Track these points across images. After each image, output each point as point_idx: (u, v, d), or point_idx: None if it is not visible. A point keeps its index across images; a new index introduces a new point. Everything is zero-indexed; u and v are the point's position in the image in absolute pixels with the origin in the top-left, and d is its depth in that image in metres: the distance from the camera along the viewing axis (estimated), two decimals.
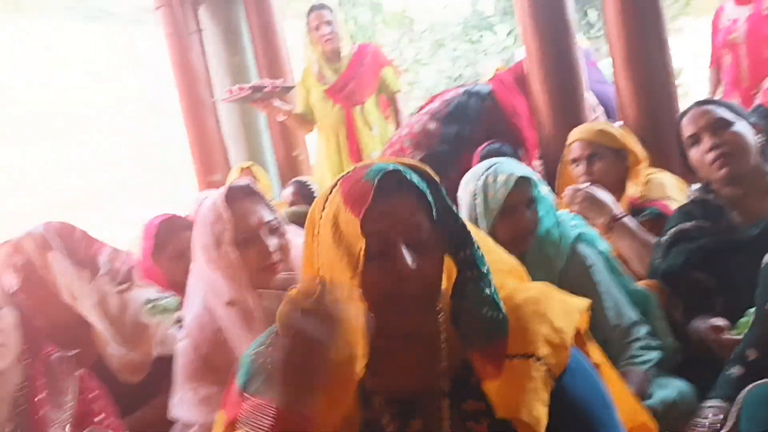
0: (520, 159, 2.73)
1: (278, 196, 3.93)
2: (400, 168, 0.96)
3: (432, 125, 3.05)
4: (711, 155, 1.84)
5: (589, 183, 2.32)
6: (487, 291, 0.95)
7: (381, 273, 0.92)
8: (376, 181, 0.92)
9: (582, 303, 1.05)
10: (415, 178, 0.96)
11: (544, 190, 1.90)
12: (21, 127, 8.77)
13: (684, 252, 1.90)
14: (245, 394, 0.99)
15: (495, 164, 1.87)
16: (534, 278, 1.80)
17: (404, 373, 1.00)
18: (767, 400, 1.27)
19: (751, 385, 1.32)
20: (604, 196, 2.22)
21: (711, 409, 1.45)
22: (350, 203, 0.93)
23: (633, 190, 2.38)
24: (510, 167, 1.86)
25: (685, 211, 2.00)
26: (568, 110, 2.76)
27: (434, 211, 0.96)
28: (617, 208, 2.21)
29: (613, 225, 2.17)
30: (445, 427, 0.98)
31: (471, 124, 3.04)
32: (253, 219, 1.63)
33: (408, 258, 0.92)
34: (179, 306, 2.00)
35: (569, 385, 0.98)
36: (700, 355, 1.79)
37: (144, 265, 2.34)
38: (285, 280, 1.63)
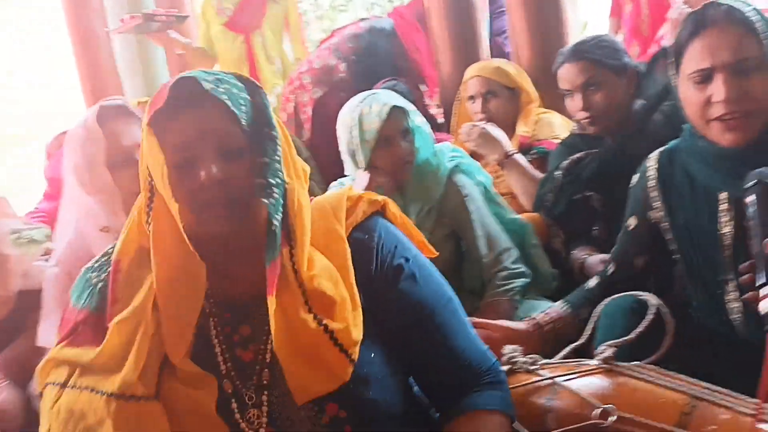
0: (414, 97, 2.75)
1: None
2: (199, 78, 0.97)
3: (332, 61, 3.01)
4: (581, 114, 1.98)
5: (484, 120, 2.39)
6: (266, 201, 0.96)
7: (188, 181, 0.96)
8: (169, 86, 0.95)
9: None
10: (219, 88, 0.96)
11: (419, 120, 1.92)
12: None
13: (576, 182, 2.00)
14: (77, 310, 1.02)
15: (369, 96, 1.88)
16: (413, 207, 1.87)
17: (234, 279, 1.03)
18: (621, 312, 1.36)
19: (608, 299, 1.40)
20: (498, 133, 2.29)
21: (551, 310, 1.54)
22: (151, 110, 0.97)
23: (523, 129, 2.45)
24: (384, 98, 1.86)
25: (567, 144, 2.10)
26: (467, 48, 2.79)
27: (244, 120, 0.97)
28: (509, 145, 2.28)
29: (505, 162, 2.25)
30: (269, 339, 1.00)
31: (379, 63, 3.04)
32: (128, 140, 1.56)
33: (213, 168, 0.95)
34: (48, 237, 1.90)
35: (408, 289, 1.06)
36: (580, 281, 1.90)
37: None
38: None
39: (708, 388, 1.12)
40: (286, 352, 0.96)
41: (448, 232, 1.92)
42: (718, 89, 1.23)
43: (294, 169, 1.04)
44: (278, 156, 0.99)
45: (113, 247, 1.06)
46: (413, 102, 2.72)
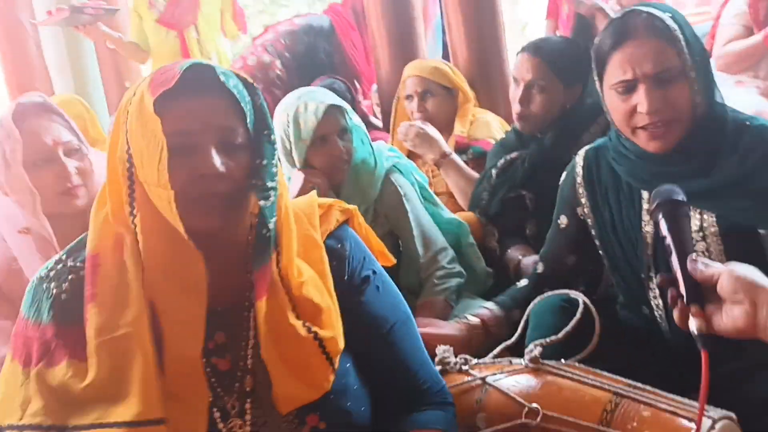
0: (353, 95, 2.74)
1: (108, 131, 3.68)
2: (215, 67, 0.94)
3: (267, 58, 2.97)
4: (515, 106, 2.01)
5: (421, 120, 2.40)
6: (263, 203, 0.94)
7: (186, 168, 0.91)
8: (182, 69, 0.90)
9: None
10: (230, 82, 0.94)
11: (355, 119, 1.91)
12: None
13: (509, 181, 2.03)
14: (30, 322, 0.95)
15: (305, 93, 1.85)
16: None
17: (212, 282, 0.97)
18: (550, 310, 1.38)
19: (538, 298, 1.43)
20: (435, 133, 2.30)
21: (483, 310, 1.55)
22: (153, 88, 0.90)
23: (460, 129, 2.47)
24: (320, 96, 1.84)
25: (502, 143, 2.13)
26: (406, 47, 2.79)
27: (248, 118, 0.95)
28: (446, 145, 2.30)
29: (441, 161, 2.27)
30: (250, 342, 0.98)
31: (316, 60, 3.02)
32: (48, 138, 1.49)
33: (216, 160, 0.92)
34: None
35: (372, 302, 1.06)
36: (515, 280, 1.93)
37: None
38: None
39: (631, 385, 1.15)
40: (274, 357, 0.94)
41: (385, 231, 1.92)
42: (641, 100, 1.27)
43: (280, 174, 1.02)
44: (276, 160, 0.97)
45: (67, 253, 1.00)
46: (350, 101, 2.72)
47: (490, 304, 1.58)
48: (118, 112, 0.95)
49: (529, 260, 1.91)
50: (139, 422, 0.87)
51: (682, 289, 0.92)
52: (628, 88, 1.29)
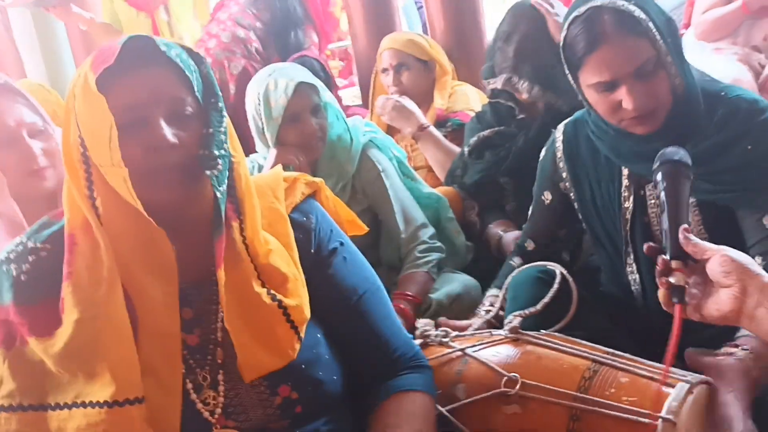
0: (329, 77, 2.71)
1: None
2: (155, 38, 0.93)
3: (240, 32, 2.91)
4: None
5: (398, 94, 2.37)
6: (209, 173, 0.92)
7: (138, 143, 0.90)
8: (121, 44, 0.89)
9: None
10: (173, 52, 0.92)
11: (328, 96, 1.88)
12: None
13: (486, 163, 2.01)
14: (7, 307, 0.94)
15: (276, 71, 1.81)
16: (327, 182, 1.82)
17: (180, 258, 0.95)
18: (527, 282, 1.38)
19: (515, 271, 1.42)
20: (412, 106, 2.28)
21: (489, 298, 1.55)
22: (95, 66, 0.89)
23: (440, 101, 2.45)
24: (290, 73, 1.80)
25: (477, 118, 2.11)
26: (381, 20, 2.75)
27: (196, 87, 0.94)
28: (423, 118, 2.28)
29: (419, 134, 2.25)
30: (219, 316, 0.97)
31: (287, 23, 2.98)
32: (10, 119, 1.46)
33: (167, 131, 0.90)
34: None
35: (340, 273, 1.06)
36: (497, 256, 1.92)
37: None
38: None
39: (609, 353, 1.15)
40: (238, 326, 0.93)
41: (364, 207, 1.90)
42: (624, 98, 1.24)
43: (236, 144, 1.01)
44: (224, 127, 0.96)
45: (28, 235, 0.99)
46: (325, 80, 2.69)
47: (493, 290, 1.57)
48: (68, 97, 0.93)
49: (510, 236, 1.90)
50: (120, 402, 0.87)
51: (667, 244, 0.91)
52: (608, 87, 1.26)
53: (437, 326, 1.36)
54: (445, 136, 2.29)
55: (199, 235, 0.96)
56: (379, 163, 1.88)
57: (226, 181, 0.94)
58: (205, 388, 0.96)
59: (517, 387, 1.11)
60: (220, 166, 0.93)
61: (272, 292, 0.95)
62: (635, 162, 1.33)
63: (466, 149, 2.07)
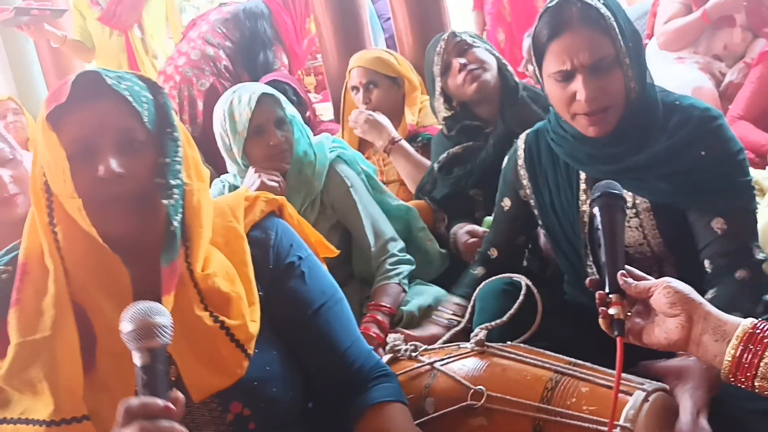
0: (302, 99, 2.74)
1: None
2: (102, 72, 0.96)
3: (210, 50, 2.94)
4: (461, 75, 2.00)
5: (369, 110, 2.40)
6: (166, 202, 0.96)
7: (87, 175, 0.94)
8: (72, 81, 0.94)
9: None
10: (122, 84, 0.96)
11: (291, 110, 1.90)
12: None
13: (455, 178, 2.06)
14: None
15: (239, 87, 1.84)
16: (295, 199, 1.86)
17: (135, 282, 0.99)
18: (495, 294, 1.41)
19: (483, 282, 1.45)
20: (384, 120, 2.32)
21: (451, 305, 1.58)
22: (48, 104, 0.95)
23: (410, 117, 2.48)
24: (252, 87, 1.83)
25: (445, 135, 2.14)
26: (351, 37, 2.78)
27: (145, 117, 0.97)
28: (395, 131, 2.32)
29: (391, 148, 2.28)
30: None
31: (256, 45, 3.02)
32: None
33: (112, 162, 0.94)
34: None
35: (297, 287, 1.08)
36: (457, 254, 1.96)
37: None
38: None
39: (571, 363, 1.19)
40: (182, 349, 0.96)
41: (333, 222, 1.92)
42: (579, 89, 1.30)
43: (196, 170, 1.04)
44: (179, 157, 0.99)
45: None
46: (296, 104, 2.71)
47: (455, 298, 1.60)
48: (35, 127, 0.97)
49: (459, 229, 1.93)
50: (67, 420, 0.91)
51: (606, 280, 0.95)
52: (565, 76, 1.31)
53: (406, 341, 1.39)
54: (417, 150, 2.33)
55: (153, 259, 0.98)
56: (348, 178, 1.90)
57: (181, 210, 0.97)
58: None
59: (483, 400, 1.14)
60: (176, 196, 0.96)
61: (215, 314, 0.97)
62: (591, 165, 1.39)
63: (435, 165, 2.11)
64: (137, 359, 0.83)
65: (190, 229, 0.99)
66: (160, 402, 0.82)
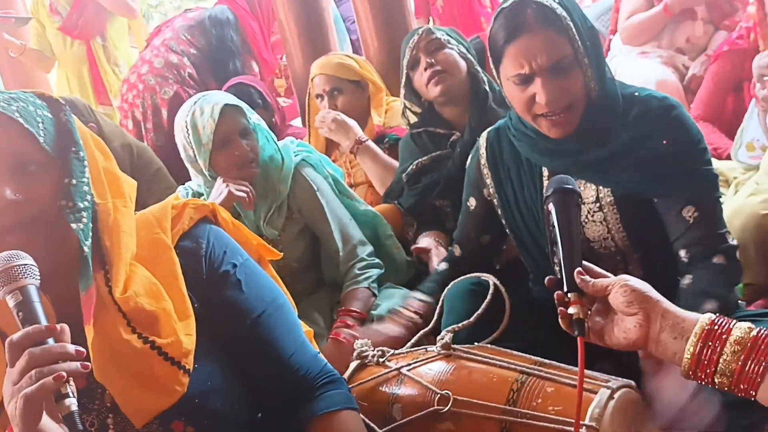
0: (268, 104, 2.71)
1: None
2: None
3: (174, 57, 2.90)
4: (427, 73, 1.98)
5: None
6: (75, 226, 0.92)
7: None
8: None
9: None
10: (12, 107, 0.92)
11: (255, 118, 1.88)
12: None
13: (421, 188, 2.04)
14: None
15: (200, 98, 1.80)
16: (262, 205, 1.84)
17: (54, 307, 0.95)
18: (462, 294, 1.40)
19: (452, 283, 1.44)
20: (351, 121, 2.31)
21: (414, 302, 1.56)
22: None
23: (377, 119, 2.47)
24: (215, 97, 1.80)
25: (413, 138, 2.12)
26: (316, 41, 2.76)
27: (41, 138, 0.93)
28: (361, 132, 2.31)
29: (357, 148, 2.27)
30: None
31: (223, 52, 2.99)
32: None
33: (6, 189, 0.90)
34: None
35: (234, 296, 1.04)
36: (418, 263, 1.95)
37: None
38: None
39: (537, 363, 1.18)
40: (113, 377, 0.92)
41: (300, 227, 1.90)
42: (539, 92, 1.29)
43: (114, 186, 1.00)
44: (86, 177, 0.95)
45: None
46: (265, 105, 2.67)
47: (418, 294, 1.59)
48: None
49: (423, 238, 1.93)
50: None
51: (564, 278, 0.94)
52: (524, 80, 1.30)
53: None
54: (384, 152, 2.31)
55: (74, 283, 0.95)
56: (314, 182, 1.88)
57: (90, 234, 0.94)
58: None
59: (449, 404, 1.13)
60: (84, 219, 0.93)
61: (144, 335, 0.94)
62: (553, 159, 1.38)
63: (404, 176, 2.09)
64: (10, 301, 0.83)
65: (109, 250, 0.96)
66: (42, 325, 0.80)
